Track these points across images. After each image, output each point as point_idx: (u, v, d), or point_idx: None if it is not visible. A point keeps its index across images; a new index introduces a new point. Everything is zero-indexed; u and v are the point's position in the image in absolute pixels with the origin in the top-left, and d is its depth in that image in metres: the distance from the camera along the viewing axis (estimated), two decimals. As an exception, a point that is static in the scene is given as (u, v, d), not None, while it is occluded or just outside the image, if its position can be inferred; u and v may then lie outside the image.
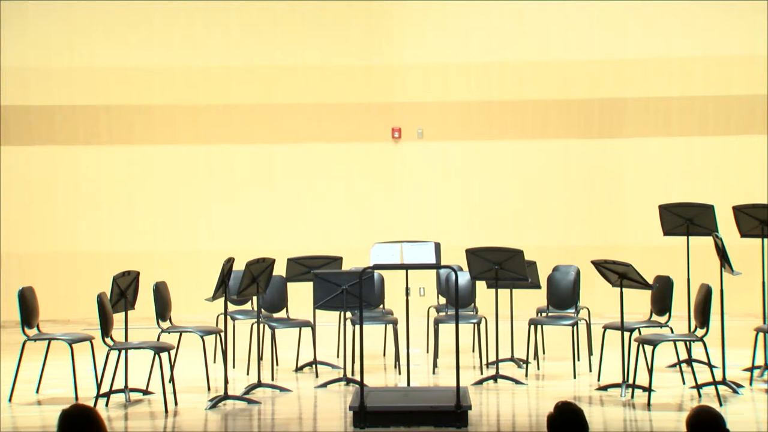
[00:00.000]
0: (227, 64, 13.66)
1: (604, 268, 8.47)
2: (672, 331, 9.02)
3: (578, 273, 10.08)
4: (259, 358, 9.22)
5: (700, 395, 8.49)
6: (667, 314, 9.08)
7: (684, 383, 8.98)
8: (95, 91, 13.61)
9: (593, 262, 8.53)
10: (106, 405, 8.31)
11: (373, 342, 10.24)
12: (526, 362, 9.70)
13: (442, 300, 10.82)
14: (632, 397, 8.39)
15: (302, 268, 9.87)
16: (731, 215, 9.36)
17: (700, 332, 8.38)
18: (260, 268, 8.63)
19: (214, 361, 9.98)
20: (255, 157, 13.66)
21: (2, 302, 12.83)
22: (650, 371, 8.30)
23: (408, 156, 13.66)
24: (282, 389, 8.97)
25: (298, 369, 9.92)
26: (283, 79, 13.65)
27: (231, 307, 9.71)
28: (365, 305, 8.57)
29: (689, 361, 8.97)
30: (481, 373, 9.51)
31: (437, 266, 8.07)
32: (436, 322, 9.92)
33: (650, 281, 8.63)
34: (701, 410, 4.38)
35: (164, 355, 8.48)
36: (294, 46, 13.63)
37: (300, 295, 10.88)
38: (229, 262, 8.45)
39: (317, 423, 8.22)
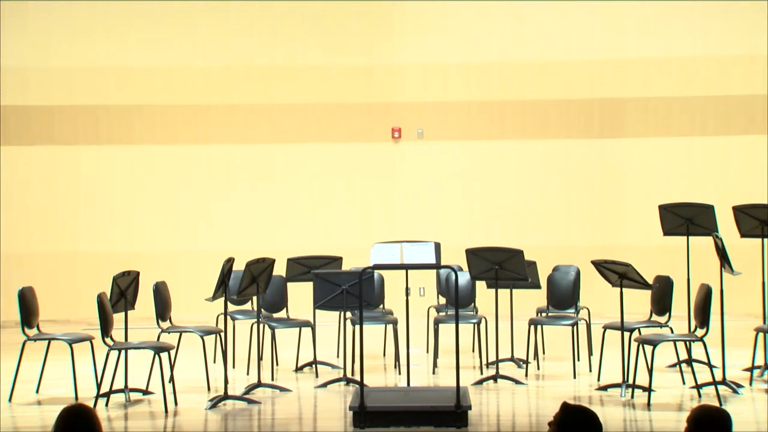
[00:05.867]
0: (227, 64, 13.66)
1: (604, 268, 8.47)
2: (672, 331, 9.02)
3: (578, 273, 10.08)
4: (259, 358, 9.21)
5: (700, 395, 8.49)
6: (667, 314, 9.07)
7: (684, 383, 8.98)
8: (95, 91, 13.61)
9: (593, 262, 8.53)
10: (106, 405, 8.31)
11: (373, 342, 10.24)
12: (526, 362, 9.69)
13: (442, 300, 10.82)
14: (632, 397, 8.39)
15: (302, 268, 9.87)
16: (731, 215, 9.35)
17: (700, 332, 8.38)
18: (260, 268, 8.62)
19: (214, 361, 9.97)
20: (255, 157, 13.65)
21: (2, 302, 12.83)
22: (650, 371, 8.30)
23: (408, 156, 13.65)
24: (282, 389, 8.97)
25: (298, 369, 9.91)
26: (283, 79, 13.65)
27: (231, 307, 9.70)
28: (365, 305, 8.57)
29: (689, 361, 8.97)
30: (481, 373, 9.51)
31: (437, 266, 8.07)
32: (436, 322, 9.92)
33: (650, 281, 8.63)
34: (706, 410, 4.28)
35: (164, 355, 8.48)
36: (294, 46, 13.62)
37: (300, 295, 10.86)
38: (229, 262, 8.45)
39: (317, 423, 8.22)
